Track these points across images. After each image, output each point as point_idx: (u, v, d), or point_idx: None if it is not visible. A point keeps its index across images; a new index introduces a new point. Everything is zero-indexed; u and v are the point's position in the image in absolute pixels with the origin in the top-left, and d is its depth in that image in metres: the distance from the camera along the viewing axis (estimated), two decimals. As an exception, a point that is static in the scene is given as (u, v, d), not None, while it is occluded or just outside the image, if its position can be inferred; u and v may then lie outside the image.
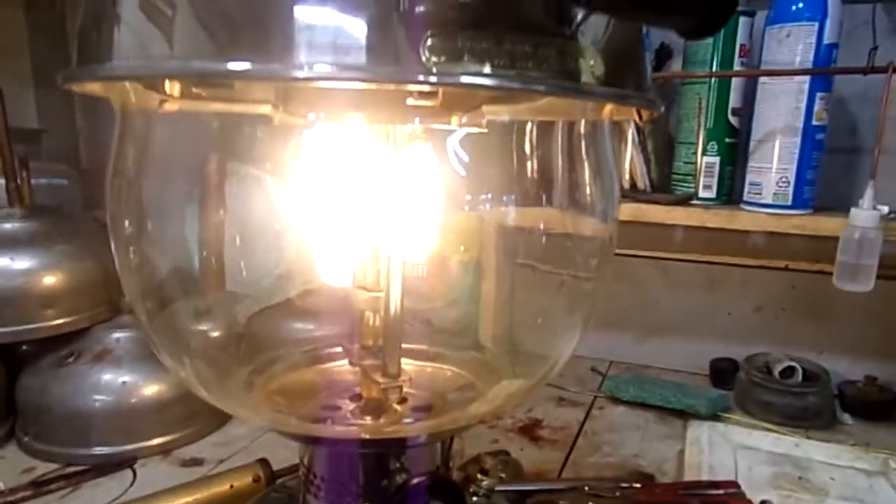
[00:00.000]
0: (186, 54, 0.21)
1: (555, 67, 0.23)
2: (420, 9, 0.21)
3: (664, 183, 0.75)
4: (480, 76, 0.21)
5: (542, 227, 0.34)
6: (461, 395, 0.35)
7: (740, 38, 0.67)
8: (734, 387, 0.74)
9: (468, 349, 0.42)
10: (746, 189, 0.68)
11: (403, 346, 0.37)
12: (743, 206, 0.68)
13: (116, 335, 0.62)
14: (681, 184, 0.73)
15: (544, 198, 0.33)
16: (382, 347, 0.30)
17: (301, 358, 0.35)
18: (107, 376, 0.58)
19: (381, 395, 0.31)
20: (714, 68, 0.68)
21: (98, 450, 0.57)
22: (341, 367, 0.36)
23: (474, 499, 0.38)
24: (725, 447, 0.61)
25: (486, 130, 0.30)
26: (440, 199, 0.31)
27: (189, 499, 0.48)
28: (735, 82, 0.68)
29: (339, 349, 0.35)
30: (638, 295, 0.85)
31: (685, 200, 0.69)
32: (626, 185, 0.75)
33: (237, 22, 0.21)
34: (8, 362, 0.62)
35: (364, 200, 0.30)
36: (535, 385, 0.35)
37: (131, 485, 0.54)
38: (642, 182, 0.74)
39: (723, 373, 0.78)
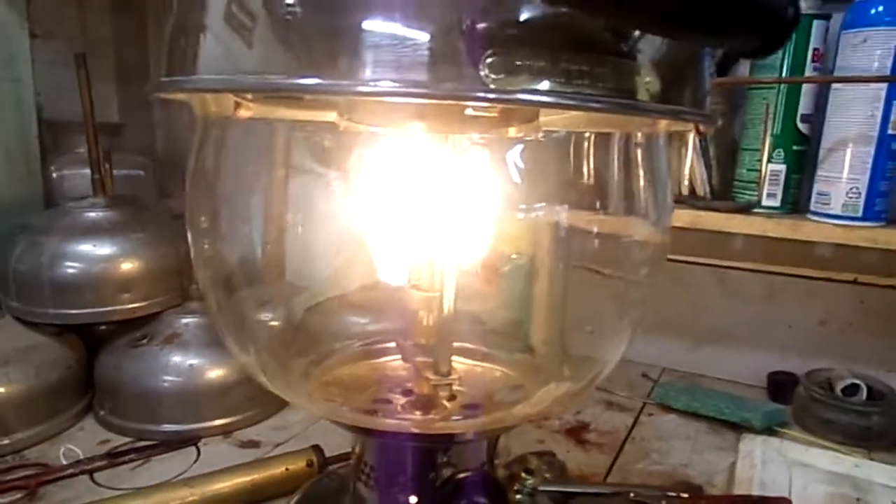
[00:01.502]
0: (264, 67, 0.23)
1: (610, 85, 0.23)
2: (481, 26, 0.22)
3: (725, 190, 0.74)
4: (537, 94, 0.22)
5: (595, 230, 0.34)
6: (509, 396, 0.36)
7: (813, 43, 0.65)
8: (792, 402, 0.72)
9: (519, 351, 0.42)
10: (814, 199, 0.66)
11: (455, 345, 0.38)
12: (809, 216, 0.66)
13: (185, 320, 0.65)
14: (743, 191, 0.71)
15: (598, 204, 0.33)
16: (435, 346, 0.32)
17: (356, 352, 0.37)
18: (175, 358, 0.62)
19: (432, 392, 0.33)
20: (784, 73, 0.66)
21: (166, 427, 0.61)
22: (394, 362, 0.38)
23: (518, 497, 0.39)
24: (780, 463, 0.60)
25: (542, 139, 0.30)
26: (496, 205, 0.32)
27: (247, 479, 0.50)
28: (806, 88, 0.66)
29: (393, 345, 0.37)
30: (693, 302, 0.84)
31: (746, 209, 0.68)
32: (685, 192, 0.73)
33: (310, 35, 0.22)
34: (88, 341, 0.67)
35: (422, 204, 0.31)
36: (583, 389, 0.36)
37: (195, 461, 0.58)
38: (702, 189, 0.72)
39: (781, 386, 0.76)
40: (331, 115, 0.30)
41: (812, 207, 0.66)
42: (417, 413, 0.34)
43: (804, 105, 0.66)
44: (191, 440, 0.60)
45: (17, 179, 0.82)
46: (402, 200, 0.31)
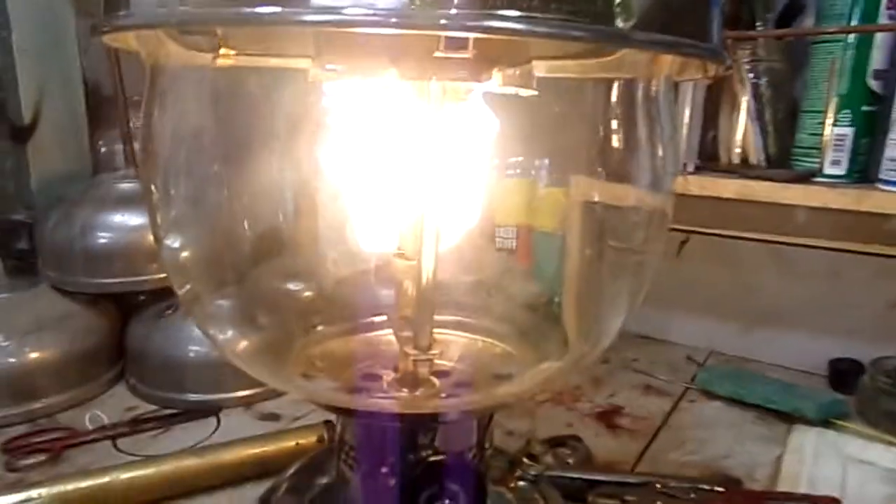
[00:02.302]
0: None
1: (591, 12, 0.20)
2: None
3: (784, 158, 0.67)
4: (503, 20, 0.19)
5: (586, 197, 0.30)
6: (503, 373, 0.33)
7: (889, -13, 0.57)
8: (855, 392, 0.65)
9: (547, 331, 0.39)
10: (884, 165, 0.58)
11: (463, 319, 0.35)
12: (879, 185, 0.59)
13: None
14: (803, 158, 0.64)
15: (588, 164, 0.30)
16: (413, 318, 0.29)
17: (345, 327, 0.35)
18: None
19: (414, 369, 0.30)
20: (854, 23, 0.59)
21: (190, 396, 0.61)
22: (388, 336, 0.35)
23: (520, 484, 0.36)
24: (834, 459, 0.54)
25: (535, 92, 0.27)
26: (477, 164, 0.29)
27: (258, 451, 0.50)
28: (879, 39, 0.58)
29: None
30: (744, 281, 0.77)
31: (805, 178, 0.61)
32: (737, 160, 0.67)
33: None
34: (123, 311, 0.69)
35: (398, 164, 0.28)
36: (575, 366, 0.32)
37: (214, 431, 0.58)
38: (756, 156, 0.66)
39: (843, 375, 0.69)
40: (304, 62, 0.27)
41: (882, 175, 0.58)
42: (404, 391, 0.32)
43: (877, 59, 0.59)
44: (212, 410, 0.60)
45: (67, 154, 0.85)
46: (377, 159, 0.28)
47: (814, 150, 0.62)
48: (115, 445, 0.55)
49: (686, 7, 0.23)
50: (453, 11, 0.19)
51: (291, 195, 0.31)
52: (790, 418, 0.61)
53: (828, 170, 0.62)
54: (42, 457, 0.52)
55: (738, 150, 0.67)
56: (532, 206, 0.37)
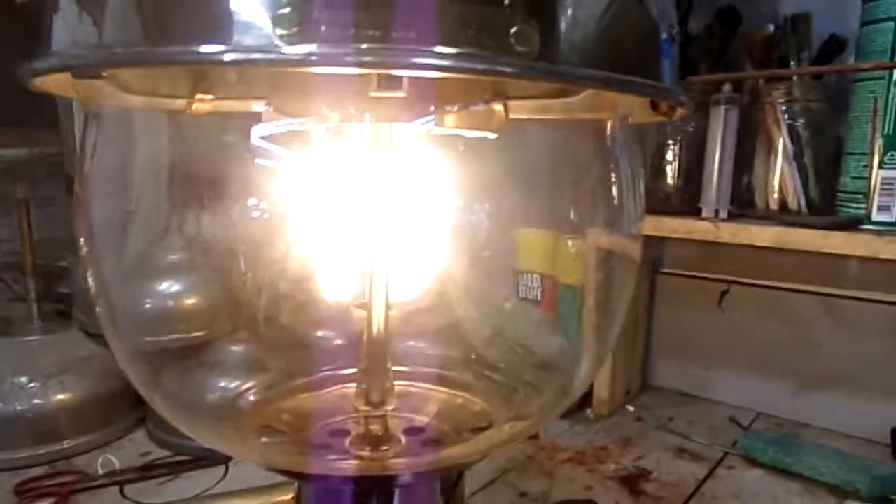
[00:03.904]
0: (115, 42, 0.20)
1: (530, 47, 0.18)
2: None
3: (829, 204, 0.62)
4: (425, 55, 0.18)
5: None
6: (471, 431, 0.30)
7: (934, 19, 0.53)
8: (922, 465, 0.58)
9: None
10: (940, 211, 0.53)
11: (439, 372, 0.33)
12: (935, 232, 0.53)
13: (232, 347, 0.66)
14: (848, 204, 0.59)
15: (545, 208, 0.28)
16: (365, 371, 0.27)
17: (307, 381, 0.33)
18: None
19: (373, 428, 0.28)
20: (896, 60, 0.54)
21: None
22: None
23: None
24: (892, 543, 0.47)
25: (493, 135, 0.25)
26: (430, 207, 0.27)
27: (251, 502, 0.48)
28: (926, 75, 0.54)
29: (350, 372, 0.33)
30: (796, 336, 0.71)
31: (850, 225, 0.56)
32: (775, 206, 0.62)
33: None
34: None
35: (353, 209, 0.27)
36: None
37: (219, 481, 0.57)
38: (795, 201, 0.61)
39: (908, 444, 0.61)
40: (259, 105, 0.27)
41: (937, 222, 0.53)
42: (366, 450, 0.30)
43: (924, 96, 0.54)
44: (221, 459, 0.60)
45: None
46: (329, 205, 0.27)
47: (859, 195, 0.57)
48: (122, 492, 0.55)
49: (633, 49, 0.21)
50: (364, 46, 0.18)
51: (246, 244, 0.31)
52: (842, 492, 0.54)
53: (876, 216, 0.56)
54: (50, 500, 0.52)
55: (776, 196, 0.63)
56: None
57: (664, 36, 0.22)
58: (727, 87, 0.61)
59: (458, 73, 0.19)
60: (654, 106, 0.23)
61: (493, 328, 0.41)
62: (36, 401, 0.60)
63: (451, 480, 0.29)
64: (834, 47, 0.63)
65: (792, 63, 0.61)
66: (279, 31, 0.15)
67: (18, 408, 0.59)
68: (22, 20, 0.79)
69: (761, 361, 0.73)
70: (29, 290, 0.68)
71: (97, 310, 0.28)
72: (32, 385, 0.60)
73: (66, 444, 0.61)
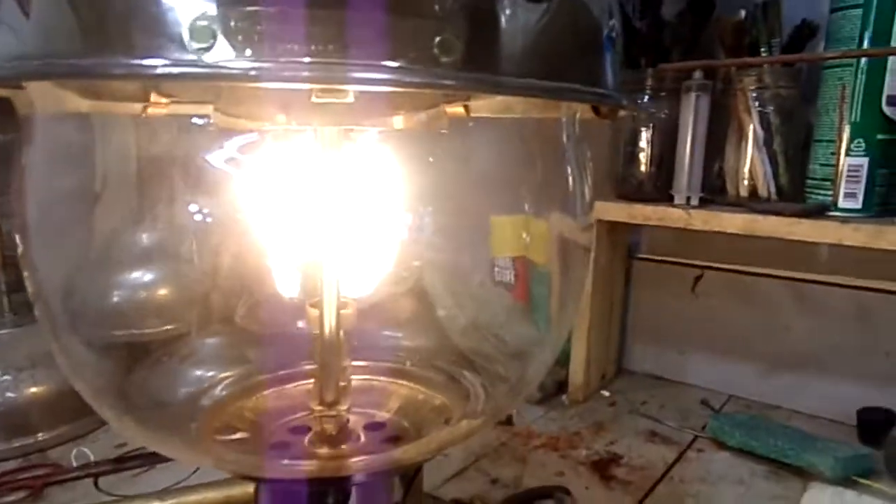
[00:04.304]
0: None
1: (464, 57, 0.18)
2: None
3: (797, 190, 0.62)
4: (367, 69, 0.18)
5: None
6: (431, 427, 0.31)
7: (902, 7, 0.53)
8: (884, 445, 0.59)
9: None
10: (904, 198, 0.54)
11: (395, 366, 0.34)
12: (899, 219, 0.54)
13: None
14: (816, 191, 0.59)
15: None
16: (318, 370, 0.27)
17: (266, 378, 0.33)
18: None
19: (328, 426, 0.28)
20: (865, 46, 0.55)
21: (177, 434, 0.61)
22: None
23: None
24: (851, 523, 0.49)
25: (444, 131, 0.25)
26: (382, 207, 0.27)
27: (223, 494, 0.49)
28: (893, 63, 0.54)
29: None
30: (767, 320, 0.72)
31: (817, 212, 0.57)
32: (744, 192, 0.63)
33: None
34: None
35: (301, 208, 0.27)
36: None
37: (193, 472, 0.57)
38: (766, 188, 0.62)
39: (872, 426, 0.63)
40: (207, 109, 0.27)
41: (902, 209, 0.54)
42: (324, 448, 0.30)
43: (891, 85, 0.54)
44: (196, 449, 0.60)
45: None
46: (283, 204, 0.27)
47: (827, 182, 0.58)
48: (96, 484, 0.55)
49: (572, 52, 0.21)
50: (307, 61, 0.18)
51: (203, 244, 0.31)
52: (807, 474, 0.55)
53: (842, 203, 0.57)
54: (23, 493, 0.52)
55: (746, 183, 0.63)
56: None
57: (605, 32, 0.22)
58: (698, 75, 0.61)
59: (393, 87, 0.19)
60: (596, 110, 0.23)
61: (467, 318, 0.41)
62: (9, 394, 0.60)
63: (408, 475, 0.29)
64: (805, 32, 0.63)
65: (762, 49, 0.61)
66: (195, 45, 0.15)
67: (-9, 401, 0.59)
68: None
69: (733, 345, 0.74)
70: (-1, 283, 0.67)
71: (36, 312, 0.28)
72: (5, 378, 0.60)
73: (39, 436, 0.61)
